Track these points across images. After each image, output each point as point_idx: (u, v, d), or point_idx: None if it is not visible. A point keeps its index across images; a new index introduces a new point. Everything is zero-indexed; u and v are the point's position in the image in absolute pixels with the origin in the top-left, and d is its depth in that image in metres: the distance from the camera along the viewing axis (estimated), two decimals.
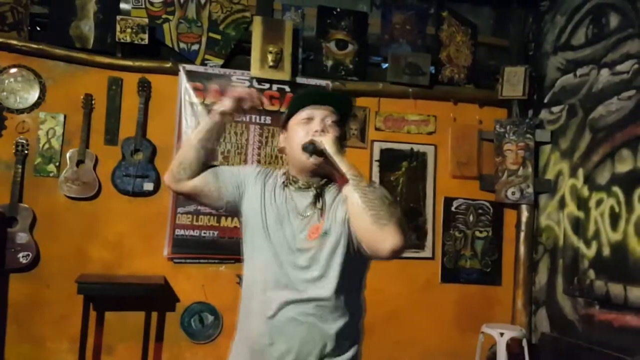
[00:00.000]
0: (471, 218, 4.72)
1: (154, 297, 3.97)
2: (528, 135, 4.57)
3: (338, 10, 4.46)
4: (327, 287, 1.70)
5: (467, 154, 4.69)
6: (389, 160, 4.57)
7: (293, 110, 1.81)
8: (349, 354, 1.80)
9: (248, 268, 1.83)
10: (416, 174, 4.62)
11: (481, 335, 4.26)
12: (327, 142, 1.67)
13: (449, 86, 4.66)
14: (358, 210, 1.59)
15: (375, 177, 4.54)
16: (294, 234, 1.74)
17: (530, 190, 4.55)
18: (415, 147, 4.63)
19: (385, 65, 4.55)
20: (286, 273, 1.72)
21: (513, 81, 4.56)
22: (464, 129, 4.69)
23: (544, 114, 4.63)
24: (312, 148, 1.70)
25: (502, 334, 4.16)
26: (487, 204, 4.73)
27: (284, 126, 1.86)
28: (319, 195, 1.76)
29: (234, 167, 1.97)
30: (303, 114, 1.77)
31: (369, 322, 4.58)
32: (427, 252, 4.61)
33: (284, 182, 1.83)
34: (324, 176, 1.78)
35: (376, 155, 4.55)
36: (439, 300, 4.58)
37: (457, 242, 4.68)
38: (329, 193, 1.78)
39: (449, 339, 4.52)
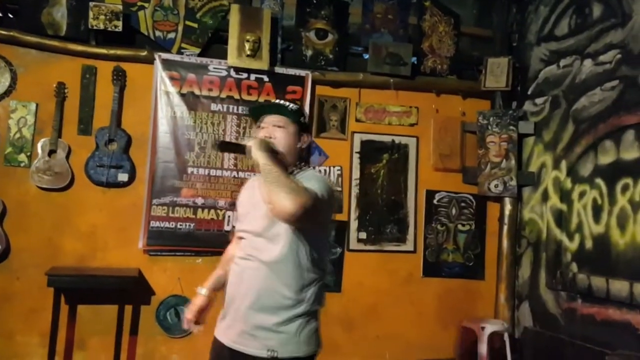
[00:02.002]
0: (454, 211, 4.65)
1: (128, 290, 3.88)
2: (511, 127, 4.50)
3: None
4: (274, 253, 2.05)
5: (450, 146, 4.62)
6: (370, 152, 4.49)
7: (255, 119, 2.23)
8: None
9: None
10: (397, 166, 4.55)
11: (462, 330, 4.19)
12: (253, 144, 2.02)
13: (431, 77, 4.59)
14: (264, 189, 1.96)
15: (356, 169, 4.46)
16: (255, 217, 2.11)
17: (514, 182, 4.48)
18: (397, 139, 4.56)
19: (366, 56, 4.47)
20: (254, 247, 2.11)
21: (496, 72, 4.49)
22: (447, 121, 4.62)
23: (527, 106, 4.57)
24: (217, 146, 2.11)
25: (483, 328, 4.11)
26: (470, 196, 4.67)
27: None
28: None
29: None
30: (259, 122, 2.20)
31: (350, 316, 4.57)
32: (408, 246, 4.54)
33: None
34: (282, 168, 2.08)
35: (357, 146, 4.47)
36: (420, 294, 4.52)
37: (440, 236, 4.62)
38: None
39: (431, 333, 4.46)
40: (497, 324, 4.24)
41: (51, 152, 3.92)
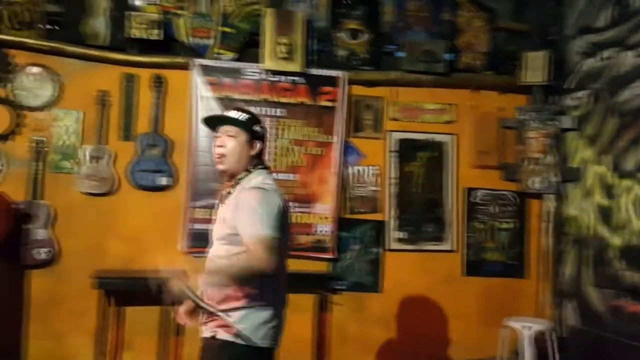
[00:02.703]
0: (494, 209, 4.59)
1: None
2: (551, 122, 4.42)
3: None
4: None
5: (488, 142, 4.56)
6: (406, 150, 4.47)
7: (211, 128, 2.47)
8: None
9: None
10: (435, 164, 4.52)
11: (505, 329, 4.12)
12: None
13: (467, 73, 4.54)
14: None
15: (393, 168, 4.45)
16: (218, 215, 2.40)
17: (555, 179, 4.40)
18: (434, 137, 4.52)
19: (400, 54, 4.46)
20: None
21: (534, 66, 4.42)
22: (484, 117, 4.56)
23: (567, 100, 4.47)
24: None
25: (527, 328, 4.03)
26: (510, 194, 4.59)
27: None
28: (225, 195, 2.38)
29: None
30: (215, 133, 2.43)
31: (390, 316, 4.56)
32: (448, 245, 4.50)
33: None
34: (231, 175, 2.37)
35: (392, 145, 4.46)
36: (461, 294, 4.47)
37: (480, 234, 4.56)
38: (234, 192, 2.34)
39: (472, 333, 4.41)
40: (541, 323, 4.16)
41: (96, 158, 4.06)
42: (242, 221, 2.19)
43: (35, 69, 4.05)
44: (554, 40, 4.58)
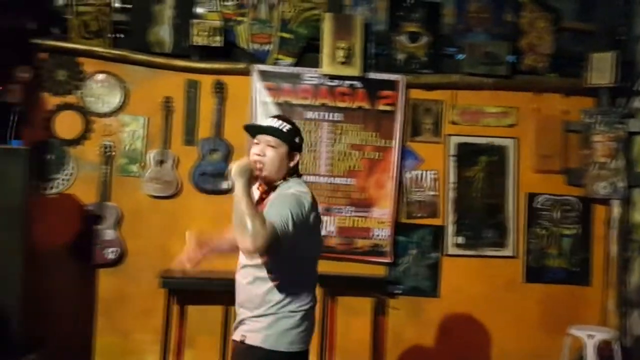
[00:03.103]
0: (557, 214, 4.47)
1: (234, 292, 4.05)
2: (619, 125, 4.27)
3: (410, 2, 4.36)
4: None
5: (551, 146, 4.43)
6: (466, 154, 4.41)
7: (251, 136, 2.46)
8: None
9: None
10: (496, 169, 4.43)
11: (568, 338, 4.03)
12: (234, 168, 2.23)
13: (530, 75, 4.43)
14: (233, 218, 2.16)
15: (452, 173, 4.40)
16: None
17: (623, 184, 4.25)
18: (495, 141, 4.44)
19: (460, 56, 4.39)
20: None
21: (600, 68, 4.27)
22: (547, 120, 4.44)
23: (636, 102, 4.30)
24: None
25: (591, 336, 3.93)
26: (574, 199, 4.46)
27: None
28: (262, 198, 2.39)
29: None
30: (255, 139, 2.42)
31: (448, 322, 4.54)
32: (508, 250, 4.42)
33: (257, 187, 2.42)
34: (268, 183, 2.39)
35: (452, 149, 4.41)
36: (522, 301, 4.38)
37: (542, 240, 4.45)
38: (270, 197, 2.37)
39: (533, 341, 4.32)
40: (606, 332, 4.04)
41: (160, 162, 4.19)
42: (268, 210, 2.23)
43: (103, 77, 4.22)
44: (622, 40, 4.41)
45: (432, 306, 4.32)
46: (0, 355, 3.24)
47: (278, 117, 2.54)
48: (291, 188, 2.33)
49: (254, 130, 2.48)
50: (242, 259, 2.40)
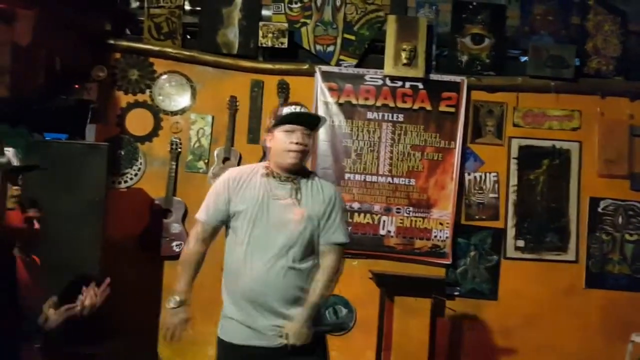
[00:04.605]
0: (620, 220, 4.39)
1: None
2: None
3: (474, 4, 4.36)
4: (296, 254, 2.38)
5: (617, 151, 4.36)
6: (529, 157, 4.38)
7: (278, 122, 2.41)
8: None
9: (240, 243, 2.43)
10: (558, 172, 4.39)
11: (630, 345, 3.95)
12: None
13: (595, 79, 4.37)
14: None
15: (513, 175, 4.38)
16: (278, 215, 2.38)
17: None
18: (558, 144, 4.39)
19: (524, 59, 4.37)
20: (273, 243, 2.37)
21: None
22: (613, 124, 4.37)
23: None
24: None
25: None
26: (639, 204, 4.37)
27: (269, 131, 2.47)
28: (297, 188, 2.41)
29: (215, 198, 2.56)
30: (287, 126, 2.38)
31: (507, 325, 4.50)
32: (570, 255, 4.36)
33: (265, 173, 2.43)
34: (296, 172, 2.43)
35: (514, 152, 4.38)
36: (583, 306, 4.32)
37: (604, 245, 4.37)
38: (304, 185, 2.43)
39: (594, 347, 4.25)
40: None
41: (225, 160, 4.32)
42: (337, 220, 2.44)
43: (173, 76, 4.38)
44: None
45: (490, 309, 4.31)
46: (78, 343, 3.38)
47: (296, 103, 2.63)
48: (315, 177, 2.50)
49: (298, 118, 2.42)
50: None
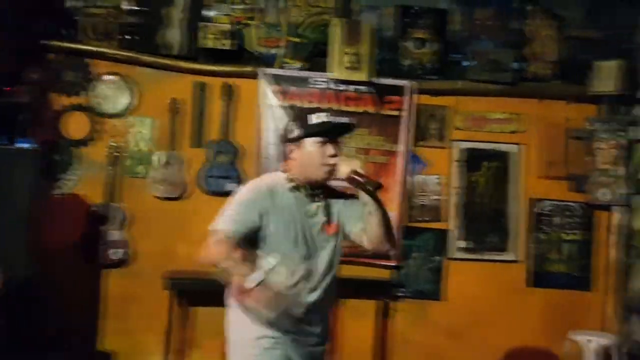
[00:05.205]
0: (559, 220, 4.52)
1: None
2: (621, 133, 4.32)
3: (417, 8, 4.40)
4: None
5: (555, 153, 4.48)
6: (470, 160, 4.45)
7: (310, 132, 2.20)
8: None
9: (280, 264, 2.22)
10: (499, 174, 4.48)
11: (567, 343, 4.07)
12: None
13: (534, 82, 4.48)
14: (377, 223, 2.21)
15: (456, 178, 4.44)
16: (310, 230, 2.24)
17: (623, 190, 4.30)
18: (499, 147, 4.49)
19: (466, 63, 4.44)
20: (310, 262, 2.24)
21: (605, 76, 4.31)
22: (551, 127, 4.49)
23: (637, 110, 4.35)
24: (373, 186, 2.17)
25: (590, 341, 3.98)
26: (577, 205, 4.51)
27: (294, 141, 2.24)
28: (325, 203, 2.28)
29: (245, 208, 2.24)
30: (320, 137, 2.19)
31: (451, 325, 4.56)
32: (511, 255, 4.47)
33: (293, 187, 2.25)
34: (321, 186, 2.27)
35: (456, 155, 4.45)
36: (524, 305, 4.43)
37: (544, 245, 4.50)
38: (329, 200, 2.30)
39: (535, 344, 4.36)
40: (606, 337, 4.09)
41: (166, 164, 4.21)
42: (354, 211, 2.27)
43: (112, 78, 4.24)
44: (627, 48, 4.46)
45: (435, 309, 4.36)
46: (10, 354, 3.24)
47: (319, 110, 2.48)
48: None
49: (334, 129, 2.25)
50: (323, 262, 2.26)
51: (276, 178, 2.30)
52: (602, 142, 4.35)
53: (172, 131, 4.24)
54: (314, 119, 2.22)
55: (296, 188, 2.25)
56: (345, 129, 2.38)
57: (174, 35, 4.24)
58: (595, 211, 4.52)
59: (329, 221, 2.28)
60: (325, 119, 2.22)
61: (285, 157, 2.31)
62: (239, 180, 4.23)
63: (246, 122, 4.29)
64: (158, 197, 4.21)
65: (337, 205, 2.31)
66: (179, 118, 4.26)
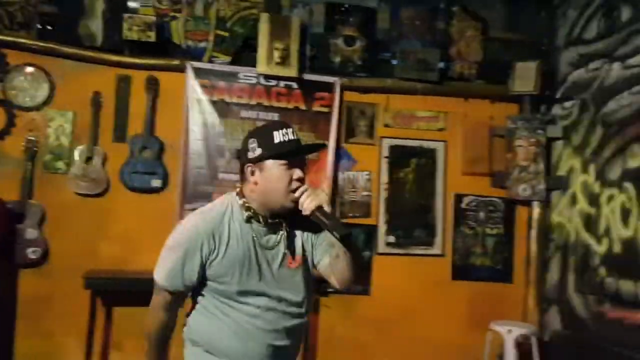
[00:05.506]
0: (482, 215, 4.66)
1: None
2: (540, 131, 4.50)
3: (346, 6, 4.44)
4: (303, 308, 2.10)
5: (478, 150, 4.63)
6: (398, 156, 4.53)
7: (275, 153, 1.93)
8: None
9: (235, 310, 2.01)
10: (426, 171, 4.59)
11: (489, 333, 4.21)
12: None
13: (459, 82, 4.61)
14: (345, 267, 2.00)
15: (385, 174, 4.51)
16: (269, 265, 2.00)
17: (542, 186, 4.48)
18: (425, 144, 4.59)
19: (394, 62, 4.51)
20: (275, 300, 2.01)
21: (525, 76, 4.49)
22: (475, 125, 4.63)
23: (556, 109, 4.56)
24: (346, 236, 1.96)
25: (510, 331, 4.12)
26: (499, 200, 4.67)
27: (256, 162, 1.96)
28: (287, 232, 2.01)
29: (182, 259, 1.98)
30: (285, 160, 1.94)
31: (379, 319, 4.61)
32: (437, 249, 4.58)
33: (247, 218, 1.98)
34: (284, 214, 1.99)
35: (385, 151, 4.52)
36: (449, 298, 4.54)
37: (468, 239, 4.63)
38: (291, 229, 2.03)
39: (460, 336, 4.48)
40: (525, 327, 4.25)
41: (88, 159, 4.06)
42: (323, 239, 2.04)
43: (29, 69, 4.05)
44: (545, 50, 4.66)
45: (363, 304, 4.41)
46: None
47: (282, 124, 2.01)
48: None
49: (300, 150, 1.99)
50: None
51: (229, 205, 2.00)
52: (523, 139, 4.53)
53: (94, 125, 4.10)
54: (280, 136, 1.93)
55: (253, 218, 1.98)
56: (314, 149, 2.23)
57: (97, 26, 4.09)
58: (516, 206, 4.70)
59: (292, 253, 2.02)
60: (292, 137, 1.94)
61: (242, 178, 2.00)
62: (165, 176, 4.15)
63: (172, 117, 4.20)
64: (79, 194, 4.06)
65: (304, 234, 2.06)
66: (102, 112, 4.12)
